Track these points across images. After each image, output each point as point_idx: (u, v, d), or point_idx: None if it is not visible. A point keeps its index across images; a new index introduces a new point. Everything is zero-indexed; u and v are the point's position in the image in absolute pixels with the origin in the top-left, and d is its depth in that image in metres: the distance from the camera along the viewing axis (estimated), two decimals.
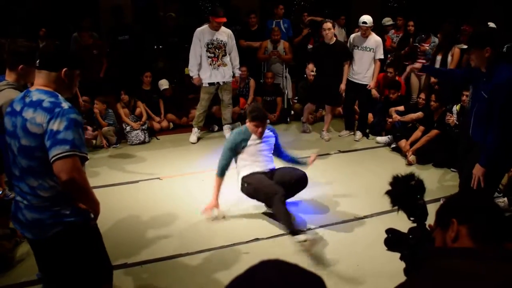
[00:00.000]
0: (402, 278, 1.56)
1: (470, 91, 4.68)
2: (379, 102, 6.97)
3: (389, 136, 6.27)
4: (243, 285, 0.87)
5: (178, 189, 4.90)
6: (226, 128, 6.55)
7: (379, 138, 6.42)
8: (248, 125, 4.18)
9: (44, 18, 8.09)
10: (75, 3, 8.34)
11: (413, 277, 1.49)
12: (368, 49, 6.12)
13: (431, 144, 5.56)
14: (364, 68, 6.19)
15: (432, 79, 6.38)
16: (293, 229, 3.88)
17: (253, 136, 4.17)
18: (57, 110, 2.10)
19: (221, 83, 6.27)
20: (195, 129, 6.47)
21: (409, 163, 5.58)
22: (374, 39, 6.14)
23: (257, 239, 3.89)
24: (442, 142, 5.49)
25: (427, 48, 6.76)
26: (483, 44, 3.18)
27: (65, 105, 2.14)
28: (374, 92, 6.76)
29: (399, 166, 5.50)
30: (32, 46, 3.00)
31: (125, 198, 4.70)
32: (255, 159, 4.19)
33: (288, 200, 4.17)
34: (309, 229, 4.06)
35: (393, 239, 1.79)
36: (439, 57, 6.28)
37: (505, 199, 4.39)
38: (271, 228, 4.09)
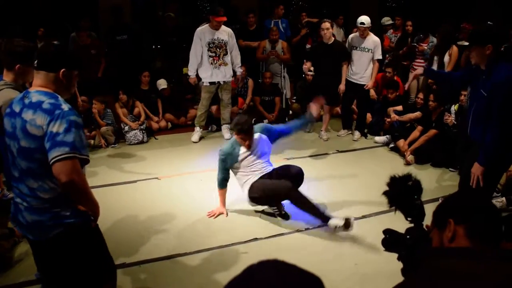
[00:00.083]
0: (401, 278, 1.56)
1: (468, 90, 4.68)
2: (377, 102, 6.98)
3: (388, 136, 6.28)
4: (242, 285, 0.87)
5: (176, 189, 4.90)
6: (224, 128, 6.56)
7: (377, 138, 6.43)
8: (236, 137, 4.13)
9: (43, 18, 8.08)
10: (74, 3, 8.34)
11: (410, 277, 1.49)
12: (366, 50, 6.12)
13: (429, 144, 5.56)
14: (362, 69, 6.20)
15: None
16: (324, 216, 3.92)
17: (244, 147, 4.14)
18: (57, 112, 2.09)
19: (222, 83, 6.28)
20: (197, 128, 6.47)
21: (408, 163, 5.58)
22: (373, 39, 6.14)
23: (256, 239, 3.90)
24: (440, 142, 5.50)
25: (425, 48, 6.76)
26: (485, 41, 3.18)
27: (65, 107, 2.13)
28: (372, 92, 6.77)
29: (397, 166, 5.50)
30: (29, 45, 2.99)
31: (124, 198, 4.70)
32: (253, 169, 4.16)
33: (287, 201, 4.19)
34: (307, 229, 4.07)
35: (390, 240, 1.80)
36: (436, 57, 6.30)
37: (504, 198, 4.40)
38: (270, 228, 4.10)
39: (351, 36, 6.40)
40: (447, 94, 5.72)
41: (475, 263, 1.29)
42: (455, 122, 5.42)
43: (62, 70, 2.21)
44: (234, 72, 6.45)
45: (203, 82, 6.29)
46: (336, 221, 3.84)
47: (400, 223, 1.83)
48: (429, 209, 1.64)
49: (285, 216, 4.22)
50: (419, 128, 5.81)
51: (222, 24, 6.05)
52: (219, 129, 6.77)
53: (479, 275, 1.24)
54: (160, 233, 4.02)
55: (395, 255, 1.77)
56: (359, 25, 6.09)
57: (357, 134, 6.55)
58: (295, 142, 6.34)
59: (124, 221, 4.20)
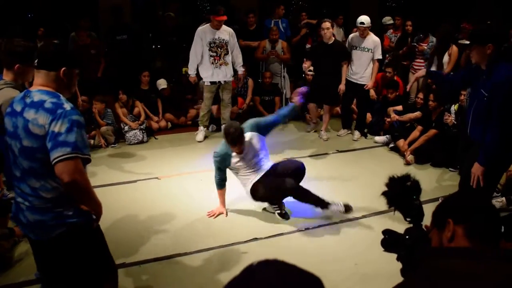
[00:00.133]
0: (401, 278, 1.56)
1: (468, 90, 4.68)
2: (377, 102, 6.98)
3: (387, 135, 6.28)
4: (242, 285, 0.87)
5: (176, 189, 4.90)
6: None
7: (377, 138, 6.43)
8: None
9: (43, 18, 8.08)
10: (74, 3, 8.34)
11: (410, 277, 1.49)
12: (366, 50, 6.12)
13: (429, 144, 5.56)
14: (362, 68, 6.19)
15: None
16: (325, 203, 4.08)
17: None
18: (59, 112, 2.08)
19: (222, 82, 6.28)
20: (200, 128, 6.47)
21: (407, 163, 5.58)
22: (372, 39, 6.14)
23: (256, 239, 3.90)
24: (440, 142, 5.50)
25: (425, 47, 6.76)
26: (485, 41, 3.17)
27: (67, 106, 2.13)
28: (372, 92, 6.76)
29: (397, 165, 5.50)
30: (29, 45, 3.00)
31: (123, 197, 4.70)
32: (251, 169, 4.15)
33: (287, 200, 4.20)
34: (307, 228, 4.07)
35: (389, 240, 1.80)
36: (436, 57, 6.29)
37: (503, 198, 4.40)
38: (270, 227, 4.10)
39: (351, 36, 6.40)
40: (447, 94, 5.72)
41: (475, 263, 1.28)
42: (455, 122, 5.42)
43: (62, 69, 2.20)
44: (235, 71, 6.45)
45: (204, 82, 6.29)
46: (337, 207, 4.10)
47: (400, 223, 1.83)
48: (429, 209, 1.64)
49: (285, 216, 4.22)
50: (419, 128, 5.81)
51: (223, 24, 6.06)
52: (219, 129, 6.76)
53: (479, 275, 1.23)
54: (160, 233, 4.02)
55: (395, 255, 1.77)
56: (359, 25, 6.08)
57: (357, 134, 6.55)
58: (295, 142, 6.35)
59: (124, 221, 4.20)
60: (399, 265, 1.76)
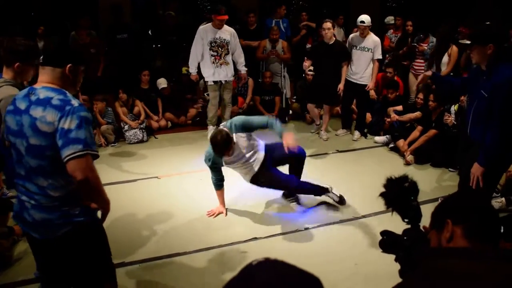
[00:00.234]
0: (400, 278, 1.56)
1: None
2: (377, 102, 6.98)
3: (387, 135, 6.28)
4: (241, 285, 0.87)
5: (175, 188, 4.90)
6: None
7: (377, 138, 6.43)
8: None
9: (43, 17, 8.08)
10: (74, 1, 8.33)
11: (409, 277, 1.49)
12: (366, 49, 6.12)
13: (429, 144, 5.56)
14: (362, 68, 6.19)
15: None
16: (323, 190, 4.33)
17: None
18: (68, 108, 2.07)
19: (223, 82, 6.28)
20: (210, 127, 6.46)
21: (407, 163, 5.58)
22: (373, 39, 6.13)
23: (255, 239, 3.90)
24: (440, 142, 5.50)
25: (425, 48, 6.76)
26: (486, 41, 3.17)
27: (75, 102, 2.12)
28: (372, 92, 6.76)
29: (397, 166, 5.50)
30: (30, 44, 3.00)
31: (123, 197, 4.69)
32: (245, 165, 4.11)
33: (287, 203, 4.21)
34: (307, 228, 4.07)
35: (388, 241, 1.80)
36: (436, 58, 6.30)
37: (503, 199, 4.39)
38: (269, 227, 4.10)
39: (351, 36, 6.39)
40: (447, 94, 5.72)
41: (474, 263, 1.28)
42: (455, 122, 5.42)
43: (68, 66, 2.19)
44: (236, 71, 6.45)
45: (207, 81, 6.29)
46: (333, 195, 4.38)
47: (400, 222, 1.83)
48: (429, 210, 1.64)
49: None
50: (419, 128, 5.81)
51: (224, 23, 6.05)
52: None
53: (478, 275, 1.23)
54: (160, 232, 4.02)
55: (395, 256, 1.78)
56: (359, 23, 6.08)
57: (357, 134, 6.55)
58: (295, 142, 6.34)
59: (123, 220, 4.20)
60: (399, 266, 1.76)
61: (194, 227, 4.10)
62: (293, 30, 8.20)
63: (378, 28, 8.07)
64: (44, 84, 2.18)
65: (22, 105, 2.16)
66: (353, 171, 5.38)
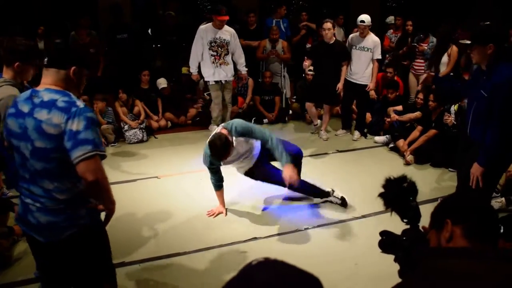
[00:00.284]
0: (400, 279, 1.56)
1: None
2: (377, 102, 6.98)
3: (387, 135, 6.28)
4: (241, 285, 0.87)
5: (175, 188, 4.90)
6: None
7: (377, 138, 6.43)
8: None
9: (43, 17, 8.08)
10: (74, 1, 8.33)
11: (409, 278, 1.49)
12: (366, 49, 6.12)
13: (429, 144, 5.56)
14: (362, 68, 6.18)
15: None
16: (324, 193, 4.38)
17: None
18: (74, 110, 2.06)
19: (223, 82, 6.28)
20: (214, 127, 6.46)
21: (407, 163, 5.58)
22: (372, 39, 6.13)
23: (255, 238, 3.90)
24: (440, 142, 5.50)
25: (426, 48, 6.76)
26: (486, 41, 3.17)
27: (80, 103, 2.11)
28: (372, 93, 6.76)
29: (397, 166, 5.50)
30: (30, 44, 3.00)
31: (123, 197, 4.67)
32: (242, 163, 4.11)
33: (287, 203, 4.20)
34: (307, 228, 4.07)
35: (387, 241, 1.80)
36: (436, 58, 6.30)
37: (503, 199, 4.39)
38: (269, 227, 4.10)
39: (351, 35, 6.40)
40: (447, 95, 5.72)
41: (474, 263, 1.28)
42: (455, 122, 5.42)
43: (73, 68, 2.18)
44: (236, 71, 6.45)
45: (208, 82, 6.29)
46: (335, 199, 4.42)
47: (400, 223, 1.83)
48: (429, 210, 1.64)
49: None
50: (419, 128, 5.81)
51: (224, 24, 6.05)
52: None
53: (478, 275, 1.23)
54: (159, 232, 4.02)
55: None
56: (359, 23, 6.07)
57: (356, 134, 6.54)
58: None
59: (123, 220, 4.19)
60: (398, 266, 1.76)
61: (194, 227, 4.10)
62: (293, 30, 8.20)
63: (378, 28, 8.06)
64: (48, 86, 2.16)
65: (25, 108, 2.13)
66: (353, 171, 5.37)
